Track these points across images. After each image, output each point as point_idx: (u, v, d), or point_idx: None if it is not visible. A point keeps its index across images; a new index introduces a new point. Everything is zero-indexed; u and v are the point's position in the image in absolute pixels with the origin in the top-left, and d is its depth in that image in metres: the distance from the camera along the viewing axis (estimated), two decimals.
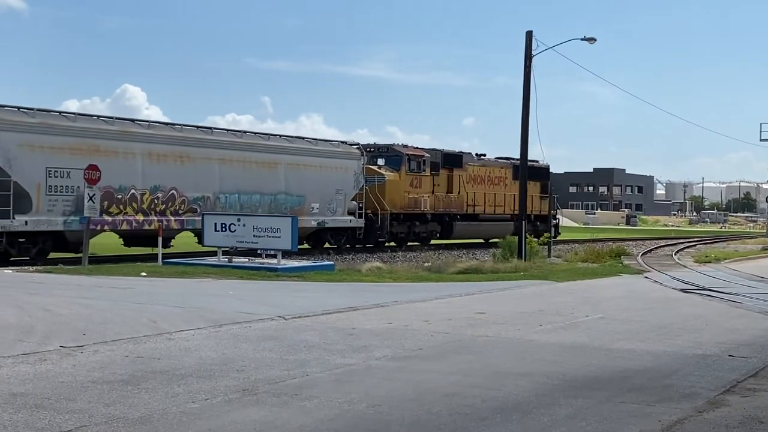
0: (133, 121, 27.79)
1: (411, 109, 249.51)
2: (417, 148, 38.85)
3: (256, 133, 32.57)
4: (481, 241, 43.45)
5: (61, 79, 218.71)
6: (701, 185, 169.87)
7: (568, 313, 13.98)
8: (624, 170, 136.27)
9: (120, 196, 25.69)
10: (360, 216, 34.43)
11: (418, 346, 10.31)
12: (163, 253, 23.78)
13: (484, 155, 44.19)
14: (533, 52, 30.14)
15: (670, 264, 28.55)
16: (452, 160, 40.38)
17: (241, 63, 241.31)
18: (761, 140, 47.57)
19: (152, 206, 26.80)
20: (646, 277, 22.42)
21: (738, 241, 52.29)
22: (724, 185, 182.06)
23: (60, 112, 25.73)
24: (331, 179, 33.37)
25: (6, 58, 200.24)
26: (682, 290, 18.72)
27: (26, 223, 23.41)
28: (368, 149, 36.92)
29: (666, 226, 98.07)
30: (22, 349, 9.29)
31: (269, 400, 7.30)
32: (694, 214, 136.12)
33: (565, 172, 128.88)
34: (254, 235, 21.67)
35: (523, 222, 30.73)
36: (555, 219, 46.55)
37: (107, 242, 28.87)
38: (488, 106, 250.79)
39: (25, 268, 21.36)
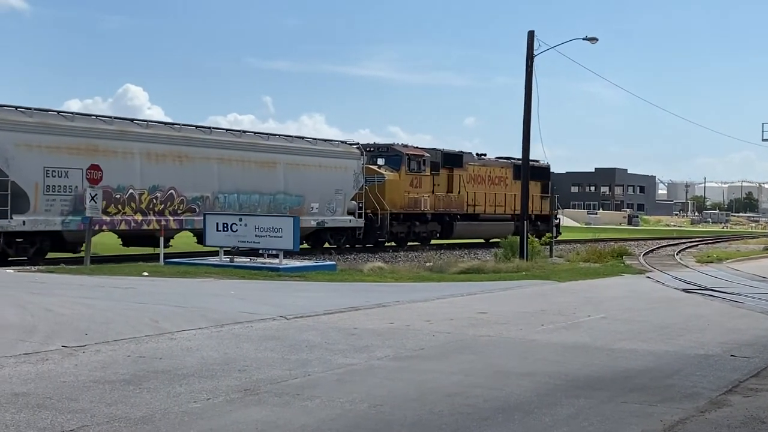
0: (131, 120, 27.70)
1: (412, 109, 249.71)
2: (417, 147, 38.79)
3: (255, 132, 32.49)
4: (482, 241, 43.40)
5: (63, 79, 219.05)
6: (703, 185, 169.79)
7: (570, 313, 13.98)
8: (626, 170, 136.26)
9: (118, 196, 25.63)
10: (360, 216, 34.37)
11: (420, 346, 10.31)
12: (164, 253, 23.78)
13: (485, 155, 44.16)
14: (535, 52, 30.14)
15: (672, 264, 28.54)
16: (452, 160, 40.32)
17: (243, 63, 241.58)
18: (763, 140, 47.47)
19: (151, 206, 26.76)
20: (648, 277, 22.41)
21: (740, 241, 52.29)
22: (726, 185, 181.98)
23: (58, 112, 25.63)
24: (331, 179, 33.31)
25: (7, 58, 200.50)
26: (684, 290, 18.71)
27: (24, 223, 23.36)
28: (368, 149, 36.86)
29: (668, 226, 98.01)
30: (24, 348, 9.29)
31: (271, 400, 7.30)
32: (696, 214, 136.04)
33: (566, 172, 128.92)
34: (256, 235, 21.68)
35: (525, 222, 30.70)
36: (556, 219, 46.53)
37: (106, 242, 28.88)
38: (489, 106, 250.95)
39: (27, 267, 21.37)
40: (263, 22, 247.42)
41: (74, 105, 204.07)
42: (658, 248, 40.14)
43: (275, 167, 31.17)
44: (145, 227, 26.57)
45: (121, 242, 28.45)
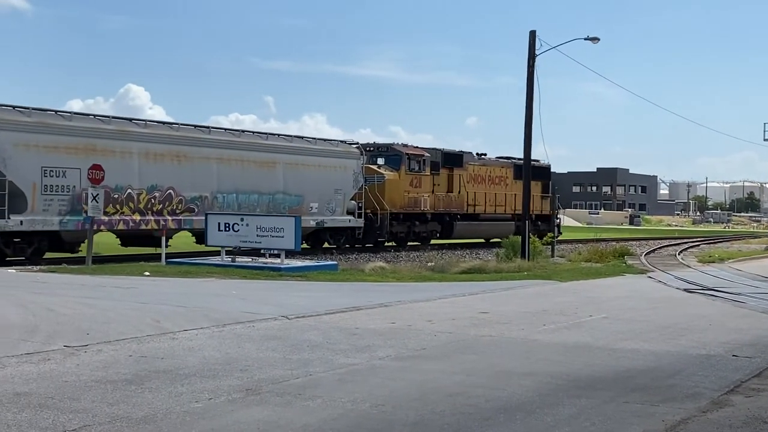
0: (130, 120, 27.57)
1: (414, 109, 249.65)
2: (417, 147, 38.72)
3: (254, 132, 32.37)
4: (482, 240, 43.35)
5: (65, 79, 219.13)
6: (705, 185, 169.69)
7: (572, 313, 13.97)
8: (627, 170, 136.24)
9: (116, 196, 25.53)
10: (359, 216, 34.30)
11: (422, 346, 10.31)
12: (166, 253, 23.78)
13: (485, 155, 44.11)
14: (537, 52, 30.12)
15: (673, 264, 28.53)
16: (452, 160, 40.24)
17: (245, 63, 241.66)
18: (765, 140, 47.44)
19: (149, 206, 26.69)
20: (650, 277, 22.40)
21: (741, 240, 52.29)
22: (728, 185, 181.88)
23: (56, 111, 25.50)
24: (330, 179, 33.25)
25: (9, 58, 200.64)
26: (685, 290, 18.70)
27: (21, 222, 23.30)
28: (368, 149, 36.79)
29: (669, 226, 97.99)
30: (26, 348, 9.30)
31: (272, 400, 7.30)
32: (698, 213, 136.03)
33: (568, 172, 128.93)
34: (258, 235, 21.69)
35: (527, 222, 30.68)
36: (557, 219, 46.49)
37: (104, 242, 28.87)
38: (491, 105, 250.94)
39: (29, 267, 21.38)
40: (265, 22, 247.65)
41: (76, 105, 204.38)
42: (659, 248, 40.12)
43: (274, 167, 31.12)
44: (143, 227, 26.52)
45: (119, 242, 28.42)
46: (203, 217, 27.21)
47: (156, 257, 24.10)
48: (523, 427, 6.66)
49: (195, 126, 29.59)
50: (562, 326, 12.36)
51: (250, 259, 22.46)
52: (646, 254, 33.70)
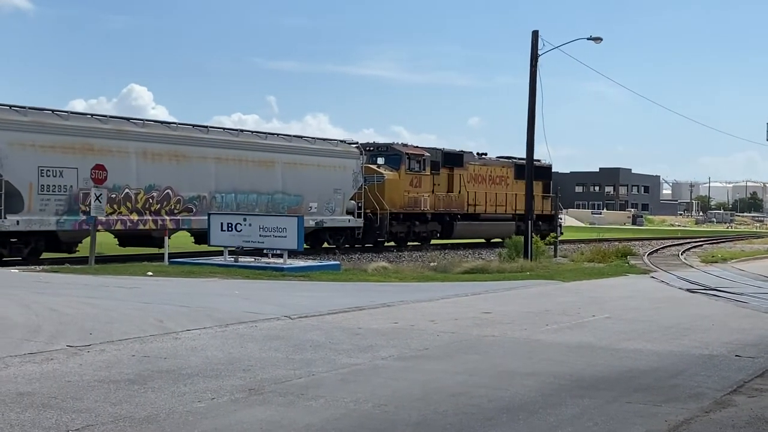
0: (127, 119, 27.46)
1: (416, 109, 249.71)
2: (417, 147, 38.64)
3: (253, 131, 32.34)
4: (482, 240, 43.28)
5: (67, 79, 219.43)
6: (708, 185, 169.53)
7: (575, 313, 13.97)
8: (630, 170, 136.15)
9: (114, 196, 25.41)
10: (359, 216, 34.25)
11: (425, 346, 10.31)
12: (169, 253, 23.79)
13: (485, 154, 44.06)
14: (539, 52, 30.12)
15: (676, 264, 28.50)
16: (453, 159, 40.16)
17: (247, 63, 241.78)
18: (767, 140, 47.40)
19: (147, 206, 26.65)
20: (653, 277, 22.39)
21: (744, 240, 52.22)
22: (731, 185, 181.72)
23: (53, 111, 25.40)
24: (330, 178, 33.20)
25: (11, 58, 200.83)
26: (688, 290, 18.69)
27: (18, 222, 23.26)
28: (367, 148, 36.72)
29: (672, 226, 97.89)
30: (29, 348, 9.31)
31: (275, 400, 7.30)
32: (701, 213, 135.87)
33: (571, 172, 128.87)
34: (260, 235, 21.70)
35: (529, 222, 30.66)
36: (560, 218, 46.42)
37: (102, 242, 28.76)
38: (493, 105, 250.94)
39: (32, 267, 21.40)
40: (267, 22, 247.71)
41: (79, 105, 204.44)
42: (662, 248, 40.10)
43: (273, 167, 31.06)
44: (141, 227, 26.47)
45: (117, 242, 28.37)
46: (201, 217, 27.33)
47: (159, 257, 24.11)
48: (525, 427, 6.66)
49: (193, 125, 29.51)
50: (565, 326, 12.35)
51: (253, 259, 22.48)
52: (648, 254, 33.67)
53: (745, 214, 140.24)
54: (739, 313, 14.60)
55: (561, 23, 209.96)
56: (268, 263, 21.51)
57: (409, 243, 37.50)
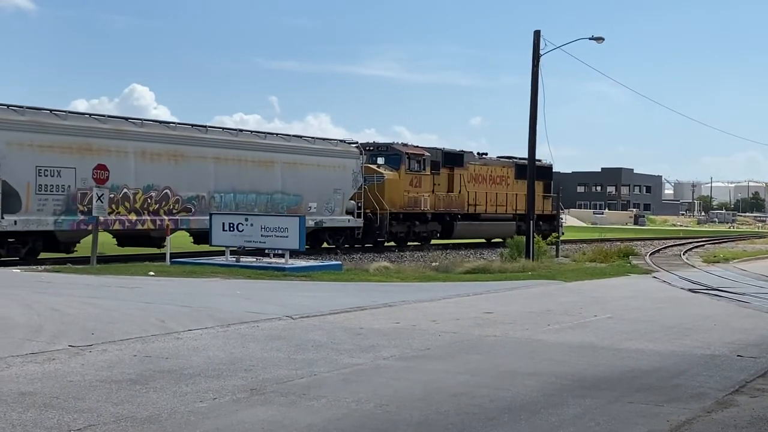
0: (126, 119, 27.36)
1: (418, 109, 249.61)
2: (417, 146, 38.56)
3: (252, 131, 32.29)
4: (483, 240, 43.25)
5: (69, 79, 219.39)
6: (709, 185, 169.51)
7: (576, 313, 13.97)
8: (632, 170, 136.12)
9: (112, 196, 25.20)
10: (359, 216, 34.19)
11: (426, 346, 10.31)
12: (171, 253, 23.78)
13: (486, 154, 44.02)
14: (541, 52, 30.11)
15: (678, 264, 28.49)
16: (453, 159, 40.08)
17: (249, 63, 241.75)
18: None
19: (145, 206, 26.59)
20: (655, 277, 22.38)
21: (746, 240, 52.20)
22: (733, 185, 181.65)
23: (51, 110, 25.28)
24: (329, 178, 33.12)
25: (13, 58, 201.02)
26: (690, 290, 18.68)
27: (15, 222, 23.19)
28: (367, 148, 36.64)
29: (674, 226, 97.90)
30: (31, 348, 9.31)
31: (277, 400, 7.31)
32: (703, 213, 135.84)
33: (573, 172, 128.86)
34: (262, 235, 21.70)
35: (531, 222, 30.66)
36: (561, 218, 46.38)
37: (101, 241, 28.67)
38: (495, 105, 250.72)
39: (34, 267, 21.41)
40: (269, 22, 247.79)
41: (81, 105, 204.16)
42: (664, 248, 40.09)
43: (272, 166, 31.00)
44: (139, 227, 26.42)
45: (116, 242, 28.34)
46: (200, 217, 27.34)
47: (160, 257, 24.11)
48: (527, 427, 6.66)
49: (192, 125, 29.43)
50: (567, 326, 12.35)
51: (255, 259, 22.49)
52: (650, 254, 33.66)
53: (747, 214, 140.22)
54: (741, 313, 14.59)
55: (562, 23, 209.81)
56: (270, 263, 21.52)
57: (409, 243, 37.43)
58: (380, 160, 36.91)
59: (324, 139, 34.53)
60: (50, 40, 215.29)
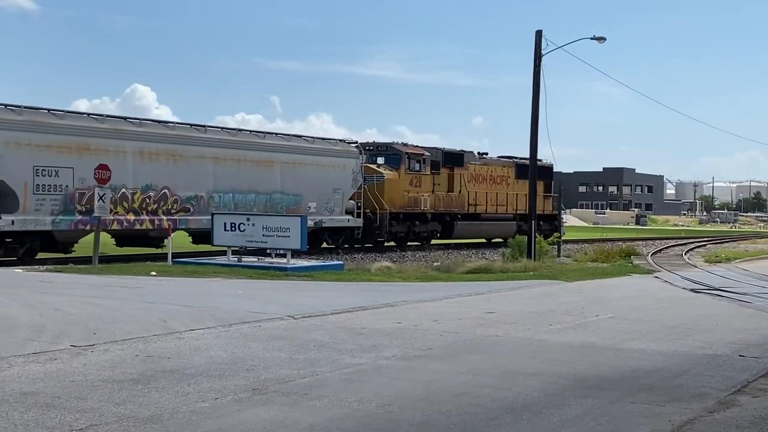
0: (124, 118, 27.28)
1: (420, 109, 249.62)
2: (417, 146, 38.49)
3: (251, 131, 32.21)
4: (483, 240, 43.21)
5: (71, 79, 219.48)
6: (711, 185, 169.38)
7: (578, 313, 13.96)
8: (634, 170, 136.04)
9: (110, 195, 25.36)
10: (358, 215, 34.13)
11: (428, 346, 10.31)
12: (172, 253, 23.79)
13: (486, 154, 43.96)
14: (543, 52, 30.09)
15: (680, 264, 28.48)
16: (453, 159, 40.00)
17: (251, 63, 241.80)
18: None
19: (144, 205, 26.52)
20: (656, 277, 22.37)
21: (748, 240, 52.16)
22: (734, 185, 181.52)
23: (48, 110, 25.15)
24: (329, 178, 33.06)
25: (15, 58, 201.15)
26: (692, 290, 18.67)
27: (13, 222, 23.14)
28: (367, 148, 36.57)
29: (676, 225, 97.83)
30: (33, 348, 9.32)
31: (279, 400, 7.31)
32: (704, 213, 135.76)
33: (574, 172, 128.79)
34: (264, 235, 21.71)
35: (533, 222, 30.65)
36: (563, 218, 46.36)
37: (100, 241, 28.79)
38: (497, 105, 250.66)
39: (36, 267, 21.43)
40: (271, 22, 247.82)
41: (82, 105, 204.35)
42: (666, 248, 40.06)
43: (272, 166, 30.93)
44: (137, 227, 26.37)
45: (114, 242, 28.31)
46: (199, 217, 27.33)
47: (162, 257, 24.12)
48: (529, 427, 6.66)
49: (191, 125, 29.35)
50: (569, 326, 12.35)
51: (256, 259, 22.49)
52: (652, 254, 33.64)
53: (749, 213, 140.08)
54: (742, 313, 14.58)
55: (563, 23, 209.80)
56: (272, 263, 21.53)
57: (409, 243, 37.38)
58: (380, 160, 36.85)
59: (323, 139, 34.44)
60: (52, 40, 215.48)
